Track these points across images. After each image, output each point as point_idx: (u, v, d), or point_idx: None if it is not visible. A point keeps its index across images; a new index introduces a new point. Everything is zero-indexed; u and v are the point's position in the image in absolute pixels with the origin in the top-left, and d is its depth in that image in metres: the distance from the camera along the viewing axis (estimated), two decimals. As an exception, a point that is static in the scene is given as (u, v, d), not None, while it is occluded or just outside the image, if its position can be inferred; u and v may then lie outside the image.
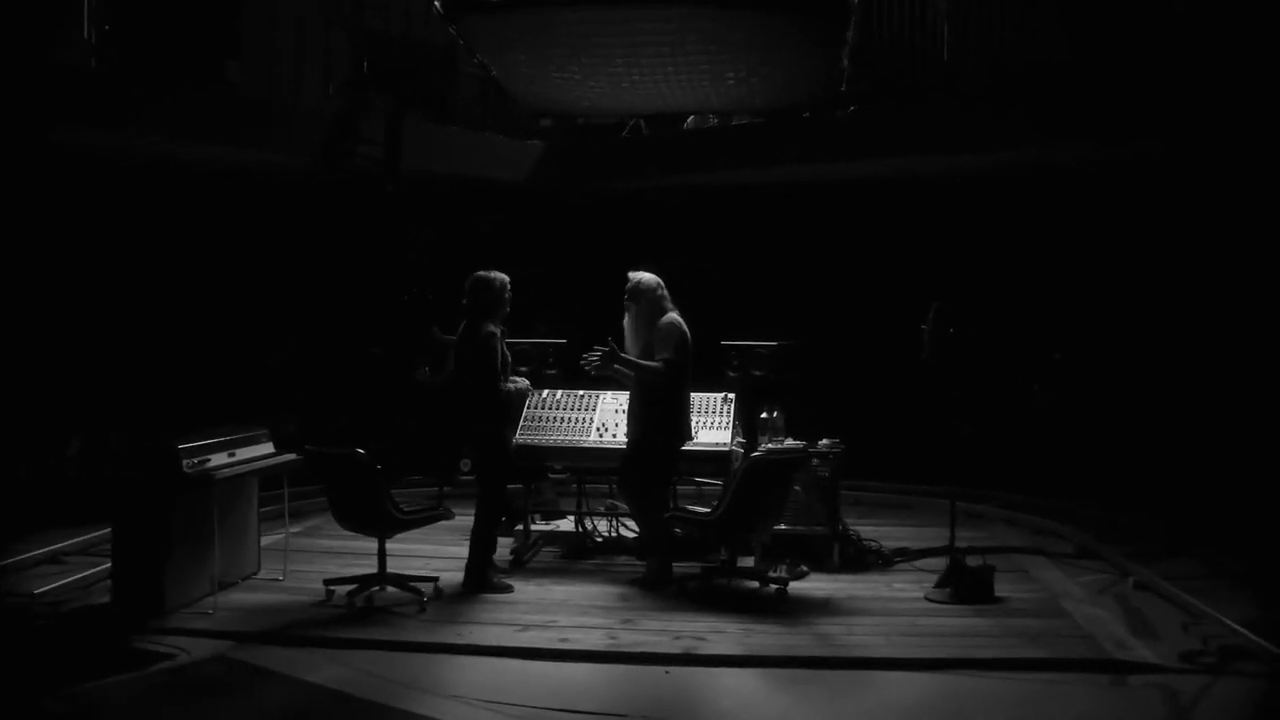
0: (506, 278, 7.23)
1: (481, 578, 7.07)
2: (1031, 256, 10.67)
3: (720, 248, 11.61)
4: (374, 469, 6.55)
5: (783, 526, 7.61)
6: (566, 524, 8.51)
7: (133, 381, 8.83)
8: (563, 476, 8.57)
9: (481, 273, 7.17)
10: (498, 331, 7.06)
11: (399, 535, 7.01)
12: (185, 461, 6.30)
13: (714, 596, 6.86)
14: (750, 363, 8.31)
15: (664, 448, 7.06)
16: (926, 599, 6.85)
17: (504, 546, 8.14)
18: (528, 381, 7.55)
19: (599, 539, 8.30)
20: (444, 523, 7.28)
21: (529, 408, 8.18)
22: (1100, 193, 10.16)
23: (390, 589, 6.81)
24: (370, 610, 6.60)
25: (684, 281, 11.22)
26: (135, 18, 10.63)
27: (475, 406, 6.99)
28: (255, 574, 7.34)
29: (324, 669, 5.59)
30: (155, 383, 9.00)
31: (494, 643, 5.95)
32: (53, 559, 7.65)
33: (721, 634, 6.12)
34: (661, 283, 7.23)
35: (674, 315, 7.10)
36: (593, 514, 8.39)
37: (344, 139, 9.10)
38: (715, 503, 7.11)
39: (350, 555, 7.80)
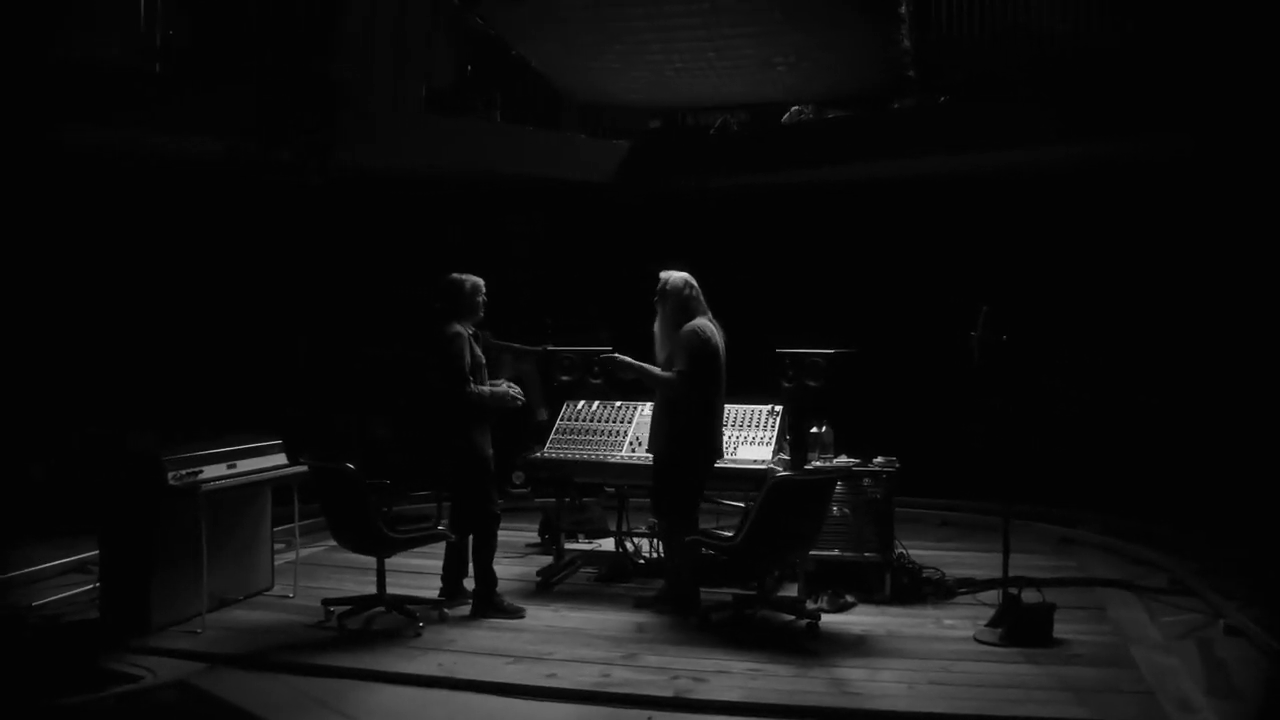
0: (480, 281, 6.83)
1: (489, 600, 6.62)
2: (1092, 256, 9.71)
3: (786, 249, 10.96)
4: (364, 484, 6.16)
5: (833, 552, 6.96)
6: (611, 543, 8.00)
7: (165, 384, 8.68)
8: (590, 497, 8.09)
9: (455, 275, 6.79)
10: (464, 331, 6.61)
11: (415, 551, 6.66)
12: (171, 473, 6.02)
13: (737, 629, 6.24)
14: (804, 372, 7.66)
15: (687, 465, 6.48)
16: (975, 639, 6.09)
17: (535, 565, 7.72)
18: (515, 387, 6.98)
19: (640, 560, 7.75)
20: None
21: (562, 418, 7.72)
22: (1159, 189, 9.15)
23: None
24: (364, 633, 6.23)
25: (743, 284, 10.79)
26: (222, 20, 10.70)
27: (442, 411, 6.56)
28: (267, 590, 7.04)
29: (279, 699, 5.20)
30: (188, 387, 8.85)
31: (471, 676, 5.46)
32: (81, 568, 7.51)
33: (725, 674, 5.51)
34: (692, 283, 6.65)
35: (700, 321, 6.51)
36: (634, 534, 7.85)
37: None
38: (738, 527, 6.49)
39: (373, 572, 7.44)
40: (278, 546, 7.39)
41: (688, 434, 6.44)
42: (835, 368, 7.60)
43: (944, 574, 7.25)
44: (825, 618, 6.48)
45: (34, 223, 8.62)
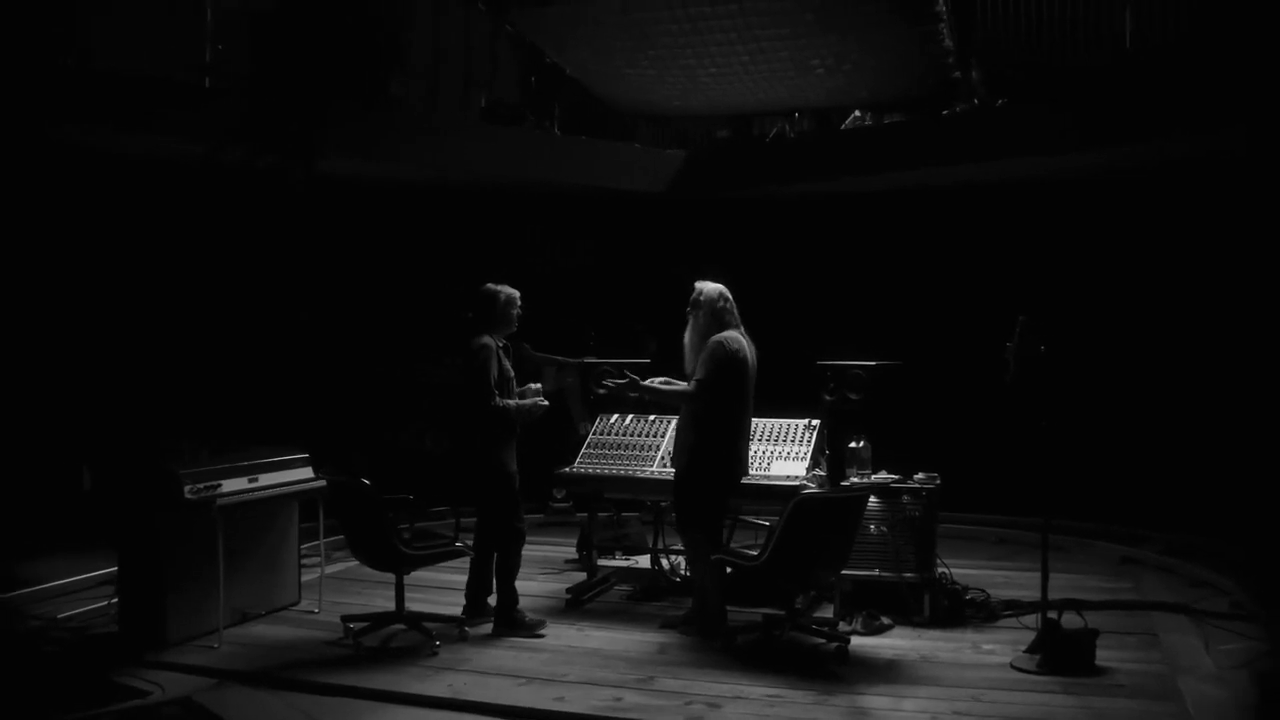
0: (515, 293, 6.70)
1: (510, 619, 6.47)
2: (1146, 261, 9.29)
3: (832, 259, 10.68)
4: (379, 500, 6.05)
5: (870, 572, 6.69)
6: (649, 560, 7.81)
7: (211, 395, 8.69)
8: (631, 512, 7.91)
9: (490, 285, 6.65)
10: (493, 344, 6.47)
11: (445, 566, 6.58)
12: (188, 487, 5.98)
13: (764, 652, 6.01)
14: (846, 385, 7.40)
15: (709, 480, 6.27)
16: (1012, 666, 5.78)
17: (570, 581, 7.57)
18: (537, 392, 6.81)
19: (676, 579, 7.54)
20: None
21: (595, 432, 7.56)
22: (1211, 189, 8.69)
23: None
24: (380, 651, 6.12)
25: (788, 295, 10.54)
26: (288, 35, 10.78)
27: (468, 424, 6.43)
28: (293, 605, 6.97)
29: (280, 718, 5.10)
30: (233, 397, 8.86)
31: (479, 698, 5.31)
32: (114, 580, 7.52)
33: (742, 701, 5.29)
34: (726, 294, 6.44)
35: (730, 333, 6.30)
36: (670, 551, 7.64)
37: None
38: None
39: (410, 587, 7.30)
40: (315, 560, 7.34)
41: (710, 448, 6.24)
42: (877, 380, 7.34)
43: (989, 595, 6.94)
44: (858, 641, 6.23)
45: (83, 231, 8.68)
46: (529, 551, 8.49)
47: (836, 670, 5.76)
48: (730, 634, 6.21)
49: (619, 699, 5.32)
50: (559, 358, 8.88)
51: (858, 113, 10.24)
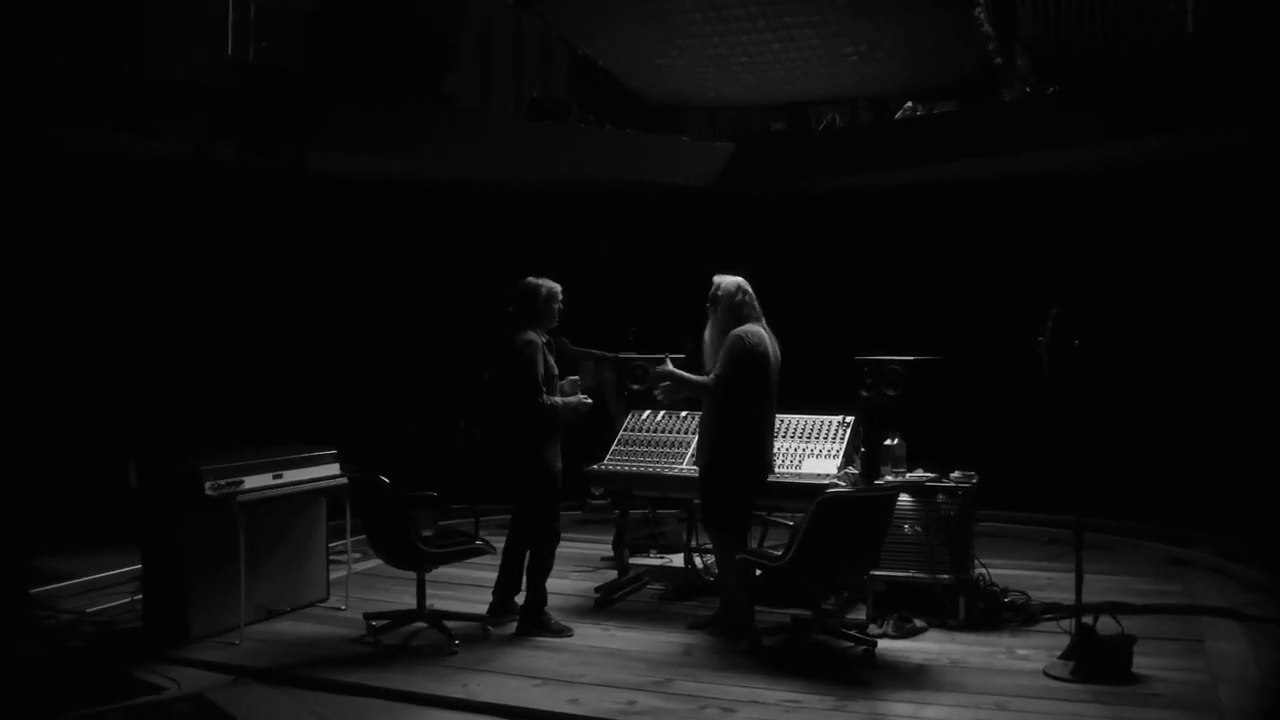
0: (557, 287, 6.57)
1: (535, 618, 6.39)
2: (1189, 252, 8.96)
3: (872, 252, 10.49)
4: (396, 496, 5.99)
5: (904, 573, 6.50)
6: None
7: (247, 393, 8.73)
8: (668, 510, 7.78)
9: (530, 279, 6.54)
10: (538, 340, 6.37)
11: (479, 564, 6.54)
12: (209, 483, 5.97)
13: (789, 655, 5.86)
14: (883, 381, 7.22)
15: (732, 478, 6.12)
16: (1045, 673, 5.56)
17: (604, 580, 7.46)
18: (586, 399, 6.71)
19: (709, 578, 7.40)
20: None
21: (626, 429, 7.45)
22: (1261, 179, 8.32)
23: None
24: (400, 650, 6.06)
25: (828, 289, 10.33)
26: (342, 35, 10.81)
27: (513, 422, 6.34)
28: (320, 602, 6.96)
29: (288, 716, 5.06)
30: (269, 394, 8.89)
31: (491, 699, 5.23)
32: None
33: (757, 705, 5.15)
34: (746, 287, 6.29)
35: (750, 326, 6.14)
36: (704, 550, 7.51)
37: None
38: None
39: (439, 584, 7.28)
40: (355, 556, 7.32)
41: (732, 445, 6.10)
42: (915, 376, 7.15)
43: (1029, 598, 6.71)
44: (888, 644, 6.06)
45: (99, 234, 8.78)
46: (565, 549, 8.43)
47: (861, 675, 5.59)
48: (757, 636, 6.07)
49: (633, 702, 5.21)
50: (597, 352, 8.78)
51: (910, 103, 10.02)
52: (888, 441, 6.84)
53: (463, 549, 6.30)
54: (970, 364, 8.49)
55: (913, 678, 5.54)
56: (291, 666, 5.72)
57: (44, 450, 8.21)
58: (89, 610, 6.65)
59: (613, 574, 7.65)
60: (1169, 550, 8.25)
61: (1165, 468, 8.71)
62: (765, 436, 6.21)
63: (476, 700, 5.22)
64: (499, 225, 10.77)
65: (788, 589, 6.13)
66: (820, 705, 5.14)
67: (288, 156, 7.47)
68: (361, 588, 7.17)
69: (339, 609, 6.84)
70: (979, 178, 9.31)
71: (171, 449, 6.53)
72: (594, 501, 9.62)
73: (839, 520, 5.64)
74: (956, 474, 6.69)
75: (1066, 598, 6.70)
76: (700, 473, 6.28)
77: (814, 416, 7.04)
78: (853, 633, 6.06)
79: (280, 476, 6.45)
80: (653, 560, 7.70)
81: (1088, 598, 6.50)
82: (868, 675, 5.58)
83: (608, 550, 8.28)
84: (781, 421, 7.05)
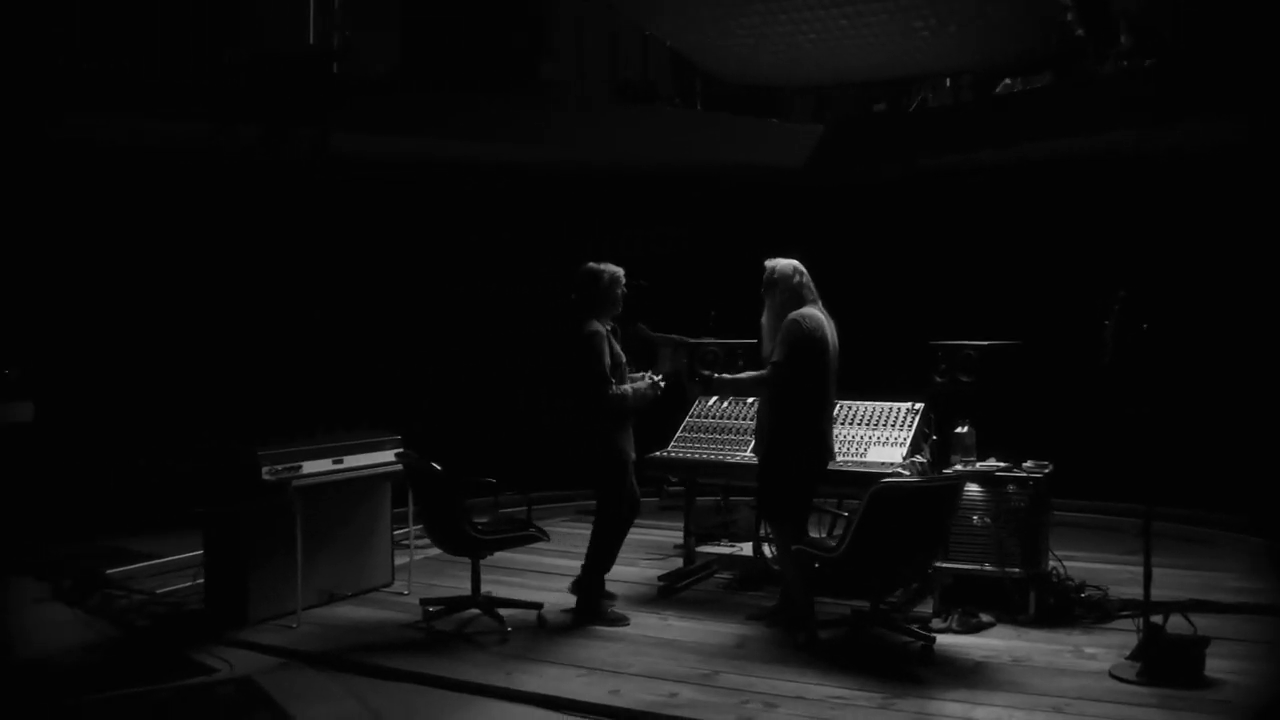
0: (620, 271, 6.45)
1: (592, 607, 6.32)
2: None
3: (953, 235, 10.17)
4: (449, 482, 5.98)
5: (973, 566, 6.27)
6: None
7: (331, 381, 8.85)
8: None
9: (591, 264, 6.43)
10: (604, 329, 6.27)
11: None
12: (266, 468, 6.04)
13: (845, 649, 5.70)
14: (957, 366, 6.96)
15: (792, 466, 5.95)
16: (1110, 674, 5.30)
17: (668, 568, 7.38)
18: (654, 378, 6.59)
19: (777, 567, 7.25)
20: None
21: (691, 415, 7.34)
22: None
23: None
24: (451, 636, 6.06)
25: (906, 273, 10.02)
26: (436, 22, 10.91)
27: (583, 412, 6.27)
28: (385, 586, 7.00)
29: (331, 704, 5.09)
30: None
31: (531, 687, 5.18)
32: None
33: (800, 701, 5.00)
34: (801, 269, 6.10)
35: (807, 309, 5.95)
36: (772, 538, 7.34)
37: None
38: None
39: (505, 570, 7.32)
40: (421, 543, 7.34)
41: (791, 432, 5.92)
42: (989, 362, 6.88)
43: (1106, 593, 6.42)
44: (952, 640, 5.86)
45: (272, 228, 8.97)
46: (638, 536, 8.40)
47: (916, 671, 5.40)
48: (813, 628, 5.91)
49: (674, 695, 5.11)
50: (675, 337, 8.66)
51: (1008, 79, 9.67)
52: (958, 429, 6.61)
53: (516, 536, 6.27)
54: (1049, 349, 8.13)
55: (969, 675, 5.33)
56: (342, 651, 5.77)
57: (134, 432, 8.45)
58: (159, 591, 6.80)
59: (682, 562, 7.56)
60: (1274, 546, 7.81)
61: (1268, 460, 8.25)
62: (825, 422, 6.03)
63: (517, 689, 5.17)
64: (579, 210, 10.68)
65: (849, 581, 5.96)
66: (867, 703, 4.97)
67: (308, 142, 7.48)
68: (428, 573, 7.19)
69: (401, 594, 6.87)
70: (1064, 157, 8.94)
71: (231, 434, 6.64)
72: (670, 488, 9.51)
73: (895, 511, 5.44)
74: (1029, 463, 6.42)
75: (1160, 594, 6.41)
76: (760, 461, 6.13)
77: (881, 403, 6.85)
78: (913, 627, 5.86)
79: (341, 462, 6.49)
80: (723, 548, 7.56)
81: (1171, 595, 6.26)
82: (923, 672, 5.39)
83: (681, 538, 8.21)
84: (847, 408, 6.91)
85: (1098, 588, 6.49)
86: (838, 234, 10.32)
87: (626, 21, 10.49)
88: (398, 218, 9.91)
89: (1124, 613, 6.21)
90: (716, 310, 9.11)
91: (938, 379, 7.05)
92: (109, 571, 7.07)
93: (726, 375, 6.35)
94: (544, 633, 6.12)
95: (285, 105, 7.47)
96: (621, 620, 6.27)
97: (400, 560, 7.14)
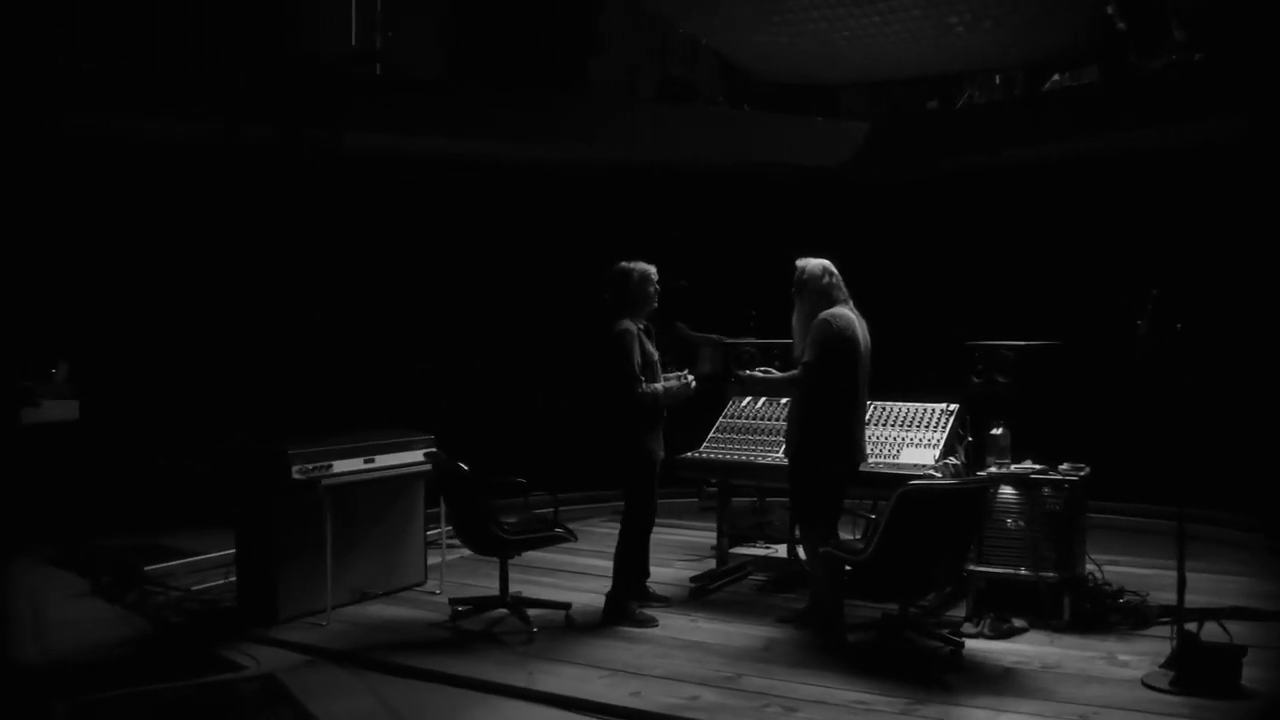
0: (651, 269, 6.41)
1: (619, 608, 6.30)
2: None
3: (993, 234, 10.02)
4: (475, 482, 5.99)
5: (1007, 570, 6.16)
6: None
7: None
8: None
9: (623, 263, 6.41)
10: (633, 328, 6.25)
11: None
12: (296, 467, 6.08)
13: (873, 653, 5.64)
14: (994, 367, 6.85)
15: (822, 467, 5.88)
16: (1143, 682, 5.17)
17: (704, 569, 7.34)
18: (689, 377, 6.54)
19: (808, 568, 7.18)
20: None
21: (725, 415, 7.29)
22: None
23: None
24: (478, 635, 6.07)
25: (943, 273, 9.87)
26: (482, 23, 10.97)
27: (612, 411, 6.25)
28: (417, 585, 7.03)
29: (352, 701, 5.11)
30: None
31: (550, 688, 5.16)
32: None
33: (821, 706, 4.94)
34: (831, 269, 6.02)
35: (837, 309, 5.88)
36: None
37: None
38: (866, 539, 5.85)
39: (540, 570, 7.34)
40: (453, 543, 7.36)
41: (821, 433, 5.85)
42: (1027, 362, 6.76)
43: (1144, 599, 6.27)
44: (983, 645, 5.77)
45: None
46: (675, 536, 8.41)
47: (942, 676, 5.31)
48: (842, 631, 5.84)
49: (695, 697, 5.07)
50: (714, 337, 8.62)
51: (1057, 75, 9.52)
52: (994, 431, 6.49)
53: (543, 536, 6.27)
54: (1088, 349, 7.97)
55: (996, 682, 5.24)
56: (368, 649, 5.79)
57: (171, 430, 8.56)
58: (194, 588, 6.88)
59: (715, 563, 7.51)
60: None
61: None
62: (855, 423, 5.95)
63: (537, 690, 5.16)
64: (615, 208, 10.64)
65: (877, 584, 5.88)
66: (888, 708, 4.90)
67: (324, 142, 7.52)
68: (461, 573, 7.20)
69: (433, 594, 6.89)
70: (1105, 154, 8.76)
71: (262, 433, 6.69)
72: (710, 489, 9.46)
73: (922, 514, 5.35)
74: (1065, 466, 6.29)
75: (1191, 600, 6.27)
76: (790, 462, 6.07)
77: (915, 404, 6.77)
78: (943, 632, 5.77)
79: (372, 461, 6.53)
80: (758, 550, 7.51)
81: (1209, 600, 6.11)
82: (950, 678, 5.30)
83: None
84: (880, 408, 6.84)
85: (1136, 593, 6.34)
86: (878, 232, 10.25)
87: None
88: (430, 216, 9.91)
89: (1162, 619, 6.06)
90: (756, 310, 9.07)
91: (974, 379, 6.94)
92: (147, 568, 7.16)
93: (759, 373, 6.27)
94: (571, 633, 6.10)
95: (296, 106, 7.49)
96: (650, 622, 6.24)
97: (434, 560, 7.15)
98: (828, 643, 5.79)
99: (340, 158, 7.92)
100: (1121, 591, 6.35)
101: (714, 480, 9.32)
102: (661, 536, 8.39)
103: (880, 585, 5.77)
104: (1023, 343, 6.82)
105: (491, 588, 6.63)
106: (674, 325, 7.92)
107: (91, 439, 8.04)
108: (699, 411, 7.37)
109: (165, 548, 7.79)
